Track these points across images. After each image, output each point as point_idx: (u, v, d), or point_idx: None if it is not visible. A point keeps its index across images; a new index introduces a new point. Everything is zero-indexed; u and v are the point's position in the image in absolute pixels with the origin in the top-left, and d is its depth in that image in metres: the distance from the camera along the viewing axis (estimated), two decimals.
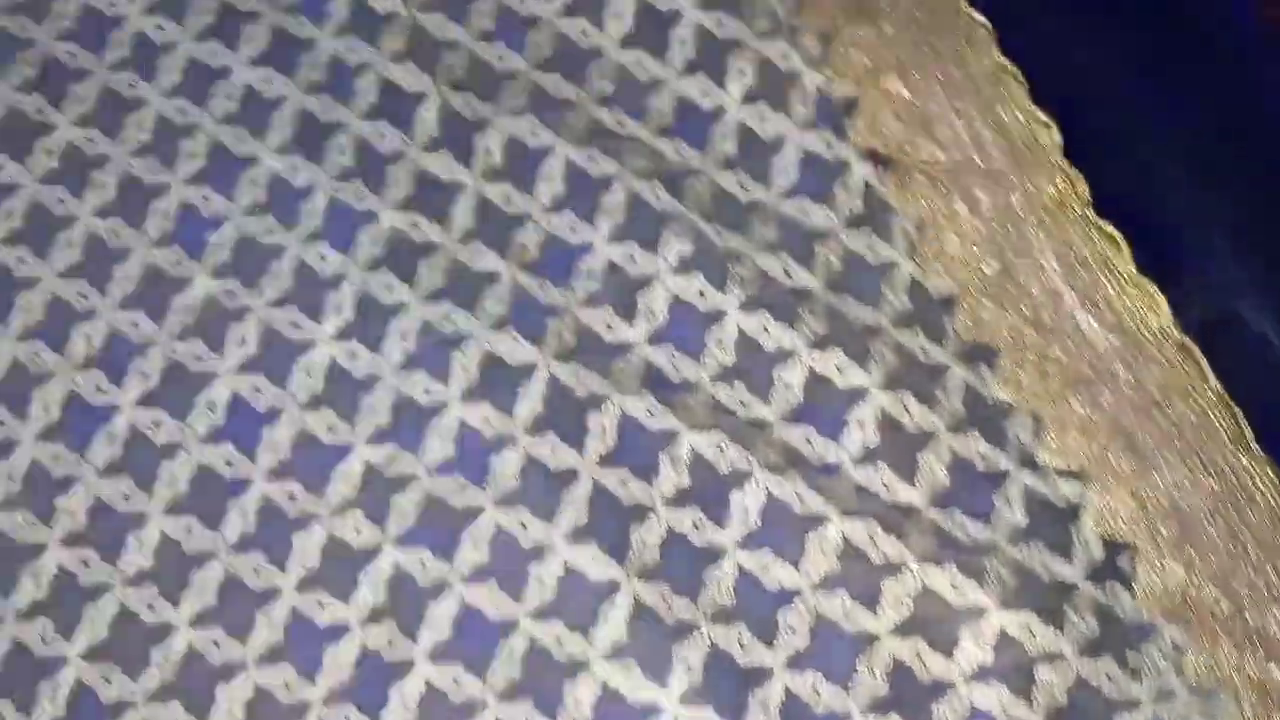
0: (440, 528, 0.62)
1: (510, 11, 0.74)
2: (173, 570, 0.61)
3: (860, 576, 0.60)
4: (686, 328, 0.66)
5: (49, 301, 0.67)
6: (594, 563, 0.61)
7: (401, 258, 0.68)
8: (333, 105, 0.72)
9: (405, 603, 0.60)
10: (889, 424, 0.64)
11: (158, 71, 0.73)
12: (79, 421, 0.64)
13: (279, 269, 0.68)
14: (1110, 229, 0.69)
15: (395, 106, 0.71)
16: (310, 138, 0.71)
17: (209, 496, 0.63)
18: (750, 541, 0.61)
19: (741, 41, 0.73)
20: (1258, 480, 0.64)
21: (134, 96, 0.73)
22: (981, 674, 0.59)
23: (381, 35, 0.73)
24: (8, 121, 0.72)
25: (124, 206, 0.70)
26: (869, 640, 0.60)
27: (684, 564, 0.61)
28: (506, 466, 0.63)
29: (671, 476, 0.62)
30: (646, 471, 0.62)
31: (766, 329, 0.65)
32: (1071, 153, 0.72)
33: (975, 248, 0.69)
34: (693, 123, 0.72)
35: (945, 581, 0.60)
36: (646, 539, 0.61)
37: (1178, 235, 0.72)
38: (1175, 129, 0.74)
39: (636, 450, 0.63)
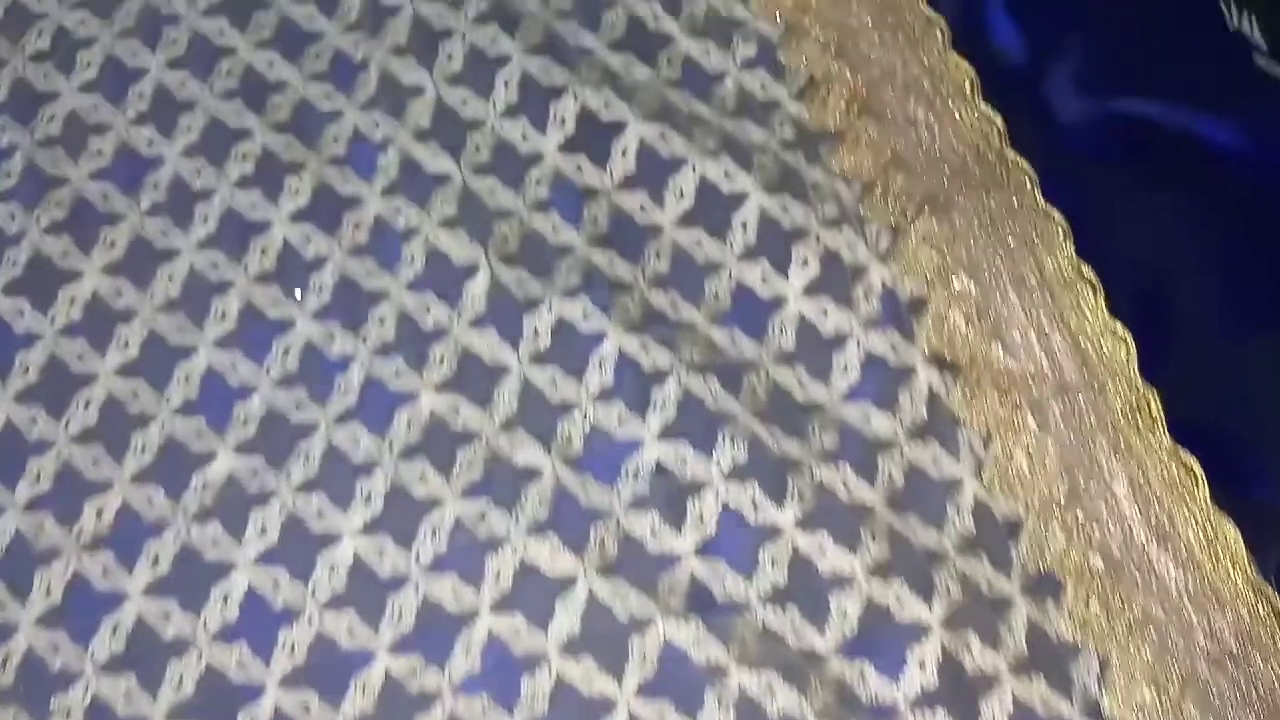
0: None
1: (566, 181, 0.71)
2: None
3: None
4: (737, 542, 0.62)
5: (60, 469, 0.63)
6: None
7: (439, 445, 0.64)
8: (377, 271, 0.68)
9: None
10: (950, 663, 0.60)
11: (193, 220, 0.70)
12: (82, 608, 0.60)
13: (308, 449, 0.64)
14: (1186, 456, 0.65)
15: (443, 277, 0.68)
16: (350, 305, 0.67)
17: (217, 702, 0.58)
18: None
19: (806, 230, 0.70)
20: None
21: (166, 247, 0.69)
22: None
23: (432, 197, 0.70)
24: (32, 264, 0.68)
25: (147, 367, 0.66)
26: None
27: None
28: (537, 689, 0.58)
29: (716, 715, 0.58)
30: (690, 707, 0.58)
31: (824, 550, 0.61)
32: (1145, 365, 0.68)
33: (1044, 467, 0.66)
34: (750, 311, 0.68)
35: None
36: None
37: (1255, 459, 0.68)
38: (1257, 344, 0.70)
39: (679, 682, 0.58)
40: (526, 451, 0.63)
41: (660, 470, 0.63)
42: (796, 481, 0.63)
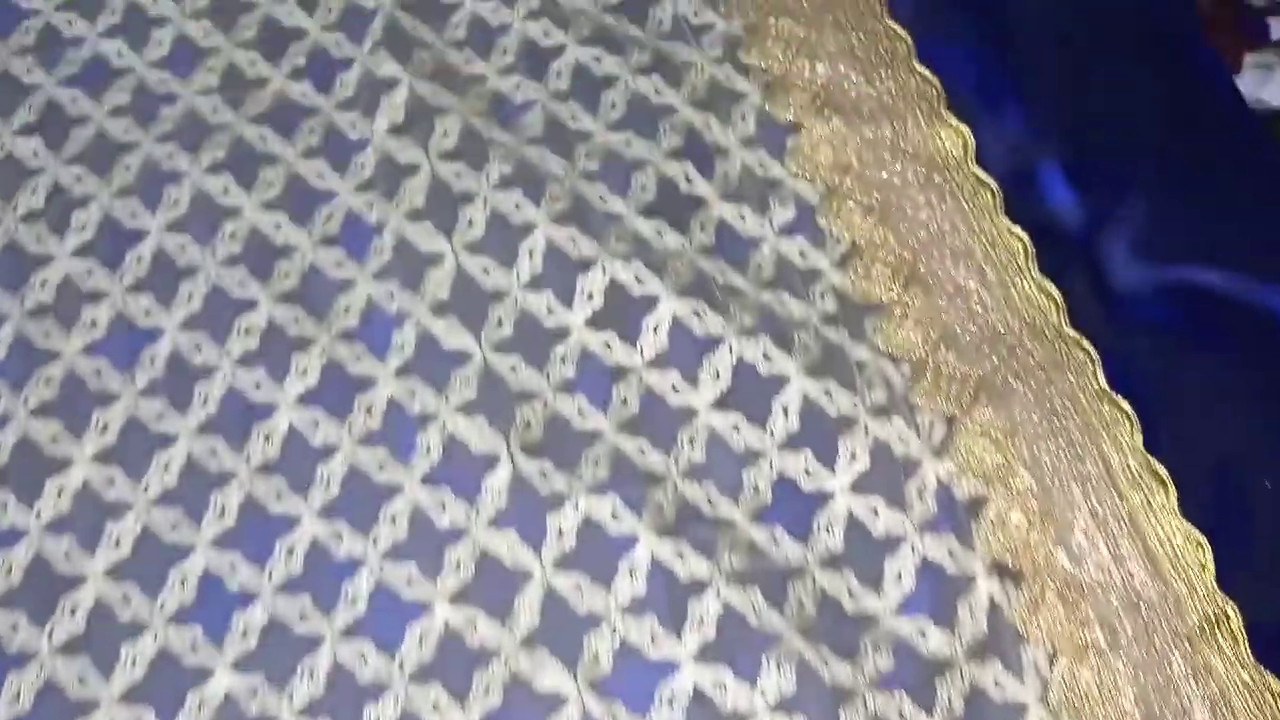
0: None
1: (594, 358, 0.66)
2: None
3: None
4: None
5: (42, 686, 0.58)
6: None
7: (454, 666, 0.58)
8: (389, 462, 0.63)
9: None
10: None
11: (192, 402, 0.65)
12: None
13: (312, 667, 0.58)
14: (1273, 680, 0.60)
15: (460, 470, 0.63)
16: (360, 501, 0.62)
17: None
18: None
19: (853, 419, 0.65)
20: None
21: (162, 431, 0.64)
22: None
23: (450, 378, 0.65)
24: (18, 452, 0.63)
25: (138, 568, 0.60)
26: None
27: None
28: None
29: None
30: None
31: None
32: (1222, 572, 0.63)
33: (1115, 690, 0.60)
34: (794, 507, 0.63)
35: None
36: None
37: None
38: None
39: None
40: (550, 674, 0.58)
41: (698, 698, 0.58)
42: (849, 714, 0.57)
